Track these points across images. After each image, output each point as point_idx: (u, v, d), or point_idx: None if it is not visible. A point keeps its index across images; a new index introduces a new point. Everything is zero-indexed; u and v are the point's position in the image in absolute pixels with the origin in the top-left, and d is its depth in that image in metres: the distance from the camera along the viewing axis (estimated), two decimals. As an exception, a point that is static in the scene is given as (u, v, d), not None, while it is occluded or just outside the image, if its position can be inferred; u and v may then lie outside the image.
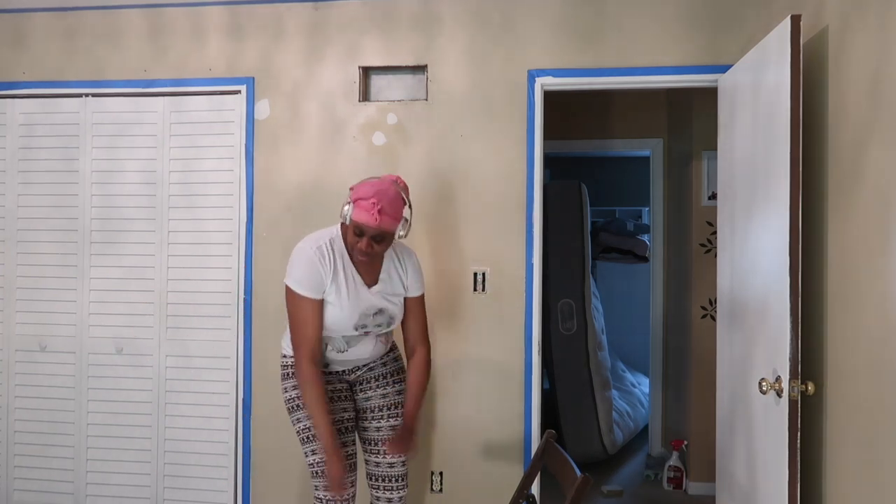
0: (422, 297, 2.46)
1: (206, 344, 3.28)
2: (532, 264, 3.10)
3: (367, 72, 3.27)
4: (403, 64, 3.20)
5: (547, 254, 4.40)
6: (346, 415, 2.43)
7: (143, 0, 3.31)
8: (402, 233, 2.25)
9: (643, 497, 4.05)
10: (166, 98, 3.32)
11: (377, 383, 2.47)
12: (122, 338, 3.33)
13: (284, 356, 2.47)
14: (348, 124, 3.22)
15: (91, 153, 3.37)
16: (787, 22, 2.20)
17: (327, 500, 2.32)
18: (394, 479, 2.45)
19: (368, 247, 2.19)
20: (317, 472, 2.34)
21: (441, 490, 3.15)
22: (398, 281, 2.37)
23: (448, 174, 3.15)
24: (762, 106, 2.43)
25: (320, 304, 2.24)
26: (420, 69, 3.22)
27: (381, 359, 2.49)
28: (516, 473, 3.07)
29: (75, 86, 3.38)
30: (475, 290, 3.14)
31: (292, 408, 2.41)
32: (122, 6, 3.34)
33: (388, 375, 2.51)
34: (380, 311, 2.33)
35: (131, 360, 3.32)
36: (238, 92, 3.28)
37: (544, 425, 3.19)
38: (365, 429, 2.49)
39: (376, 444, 2.47)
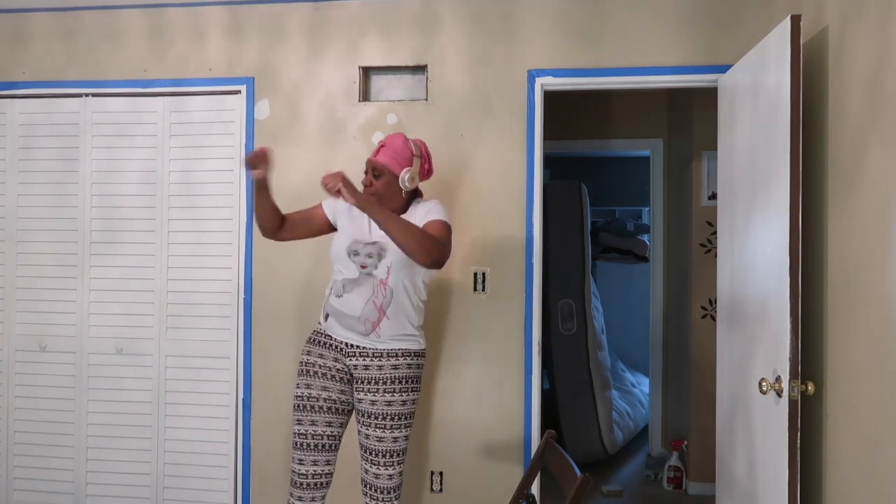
0: (435, 222, 2.34)
1: (205, 344, 3.28)
2: (532, 264, 3.10)
3: (367, 72, 3.27)
4: (403, 64, 3.20)
5: (547, 254, 4.40)
6: (330, 395, 2.42)
7: (143, 0, 3.31)
8: (406, 181, 2.39)
9: (643, 497, 4.05)
10: (166, 98, 3.32)
11: (369, 386, 2.39)
12: (122, 338, 3.34)
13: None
14: (348, 124, 3.22)
15: (91, 153, 3.37)
16: (787, 22, 2.20)
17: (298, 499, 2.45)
18: (381, 491, 2.42)
19: (367, 181, 2.43)
20: (294, 482, 2.43)
21: (441, 490, 3.15)
22: None
23: (448, 174, 3.15)
24: (762, 106, 2.43)
25: (319, 213, 2.56)
26: (420, 69, 3.22)
27: (379, 359, 2.39)
28: (516, 473, 3.07)
29: (75, 86, 3.38)
30: (475, 290, 3.13)
31: (293, 407, 2.46)
32: (122, 6, 3.34)
33: (383, 381, 2.39)
34: (373, 243, 2.41)
35: (131, 360, 3.33)
36: (238, 92, 3.28)
37: (544, 425, 3.20)
38: (358, 432, 2.46)
39: (366, 451, 2.43)
